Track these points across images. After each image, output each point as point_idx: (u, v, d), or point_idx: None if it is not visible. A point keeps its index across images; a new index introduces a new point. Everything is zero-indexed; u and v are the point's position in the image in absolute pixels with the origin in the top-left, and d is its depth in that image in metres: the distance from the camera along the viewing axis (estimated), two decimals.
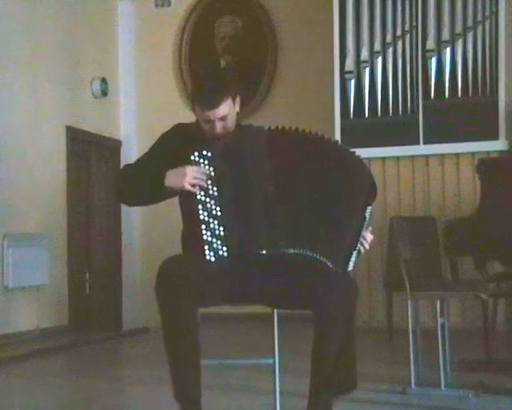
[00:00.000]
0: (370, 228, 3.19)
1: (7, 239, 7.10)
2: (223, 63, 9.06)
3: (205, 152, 3.02)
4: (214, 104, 3.10)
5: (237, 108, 3.21)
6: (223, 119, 3.13)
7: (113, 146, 9.14)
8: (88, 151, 8.67)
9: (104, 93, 8.74)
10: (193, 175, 3.00)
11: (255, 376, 4.45)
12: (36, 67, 7.74)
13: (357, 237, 3.09)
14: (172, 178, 3.04)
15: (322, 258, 3.02)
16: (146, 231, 8.98)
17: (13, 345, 6.78)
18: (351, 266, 3.09)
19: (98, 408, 4.47)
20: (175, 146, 3.15)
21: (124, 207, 9.06)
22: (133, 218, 8.94)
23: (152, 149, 3.27)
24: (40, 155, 7.71)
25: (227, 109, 3.13)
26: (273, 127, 3.08)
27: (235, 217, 3.00)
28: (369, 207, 3.15)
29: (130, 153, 9.23)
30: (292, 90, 8.71)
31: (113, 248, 9.03)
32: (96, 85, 8.67)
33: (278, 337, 3.35)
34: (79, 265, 8.32)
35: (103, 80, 8.72)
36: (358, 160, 3.14)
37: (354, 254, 3.10)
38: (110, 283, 8.94)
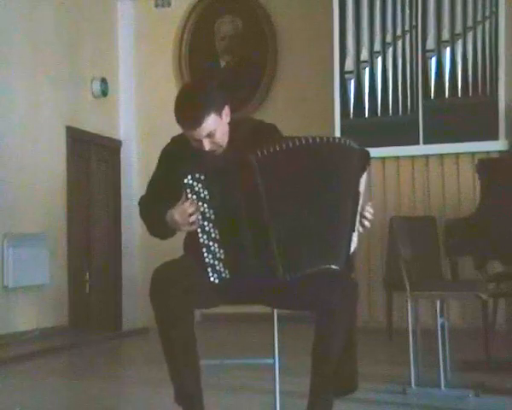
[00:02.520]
0: (370, 203, 3.08)
1: (7, 239, 7.10)
2: (223, 63, 9.07)
3: (197, 175, 2.95)
4: (196, 123, 2.99)
5: (227, 119, 3.10)
6: (209, 135, 3.03)
7: (113, 146, 9.14)
8: (88, 151, 8.67)
9: (104, 93, 8.74)
10: (185, 219, 2.97)
11: (255, 376, 4.45)
12: (36, 66, 7.74)
13: (353, 219, 3.00)
14: (174, 226, 3.04)
15: (323, 267, 2.98)
16: (146, 231, 8.96)
17: (13, 345, 6.78)
18: (352, 248, 3.03)
19: (98, 408, 4.46)
20: (176, 160, 3.12)
21: (124, 207, 9.06)
22: (133, 218, 8.93)
23: (156, 172, 3.25)
24: (40, 156, 7.71)
25: (212, 125, 3.01)
26: (261, 153, 2.89)
27: (232, 240, 2.96)
28: (363, 177, 3.02)
29: (130, 153, 9.24)
30: (292, 90, 8.71)
31: (113, 248, 9.03)
32: (96, 85, 8.67)
33: (278, 337, 3.35)
34: (79, 265, 8.32)
35: (103, 80, 8.72)
36: (342, 148, 2.97)
37: (354, 235, 3.02)
38: (110, 283, 8.95)
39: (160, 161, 3.27)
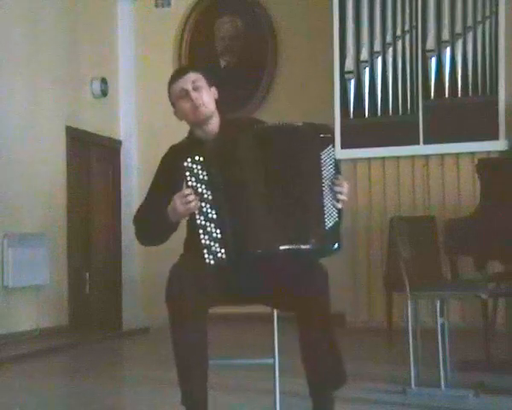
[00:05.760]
0: (339, 176, 3.06)
1: (7, 239, 7.10)
2: (223, 63, 9.07)
3: (197, 157, 2.99)
4: (183, 72, 3.28)
5: (215, 95, 3.26)
6: (195, 88, 3.20)
7: (113, 146, 9.14)
8: (88, 151, 8.67)
9: (104, 93, 8.74)
10: (184, 204, 2.98)
11: (255, 376, 4.45)
12: (36, 66, 7.74)
13: (318, 195, 3.01)
14: (174, 216, 3.06)
15: (293, 247, 2.98)
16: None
17: (13, 345, 6.78)
18: (330, 223, 3.01)
19: (98, 408, 4.47)
20: (175, 168, 3.11)
21: (124, 207, 9.06)
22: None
23: (155, 180, 3.29)
24: (40, 155, 7.71)
25: (198, 79, 3.22)
26: (257, 128, 3.10)
27: (229, 218, 2.97)
28: (326, 153, 3.04)
29: (130, 153, 9.24)
30: (292, 91, 8.71)
31: (113, 248, 9.03)
32: (96, 85, 8.67)
33: (278, 337, 3.35)
34: (79, 264, 8.32)
35: (103, 80, 8.72)
36: (299, 127, 3.08)
37: (327, 209, 3.02)
38: (110, 283, 8.94)
39: (158, 169, 3.30)
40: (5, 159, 7.19)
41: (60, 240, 7.95)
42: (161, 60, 9.23)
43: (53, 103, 7.98)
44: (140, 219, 3.26)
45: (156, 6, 9.34)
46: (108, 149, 9.06)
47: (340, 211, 3.05)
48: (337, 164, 3.09)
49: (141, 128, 9.26)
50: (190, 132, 3.32)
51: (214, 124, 3.25)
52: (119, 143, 9.22)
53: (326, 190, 3.03)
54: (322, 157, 3.03)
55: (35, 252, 7.37)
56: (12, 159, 7.29)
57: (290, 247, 2.96)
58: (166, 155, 3.31)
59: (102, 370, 5.88)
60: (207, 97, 3.21)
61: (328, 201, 3.03)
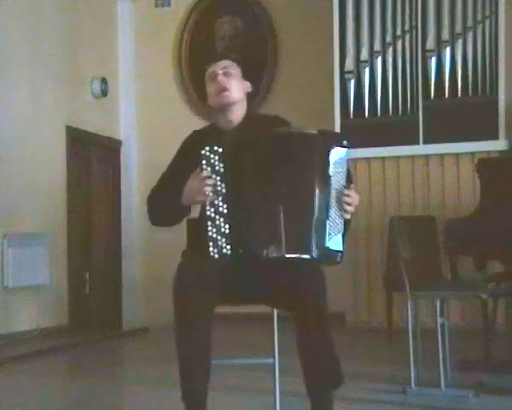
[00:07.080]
0: (352, 185, 3.06)
1: (7, 239, 7.10)
2: None
3: (216, 147, 2.99)
4: (218, 58, 3.26)
5: (246, 89, 3.27)
6: (226, 74, 3.21)
7: (113, 146, 9.14)
8: (88, 151, 8.67)
9: (104, 93, 8.74)
10: (201, 189, 2.97)
11: (255, 376, 4.45)
12: (36, 66, 7.74)
13: (324, 205, 2.99)
14: (189, 199, 3.06)
15: (295, 256, 2.98)
16: (146, 231, 8.98)
17: (13, 345, 6.78)
18: (333, 233, 3.00)
19: (98, 408, 4.47)
20: (194, 152, 3.11)
21: (124, 207, 9.07)
22: (133, 217, 8.94)
23: (173, 161, 3.29)
24: (40, 155, 7.71)
25: (231, 66, 3.22)
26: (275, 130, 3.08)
27: (239, 216, 2.97)
28: (336, 161, 3.01)
29: (131, 153, 9.24)
30: (292, 91, 8.71)
31: (113, 248, 9.04)
32: (96, 85, 8.67)
33: (278, 337, 3.35)
34: (79, 264, 8.32)
35: (103, 80, 8.72)
36: (304, 137, 3.07)
37: (330, 222, 3.00)
38: (110, 283, 8.95)
39: (178, 151, 3.30)
40: (5, 159, 7.19)
41: (60, 240, 7.95)
42: (161, 60, 9.23)
43: (53, 103, 7.98)
44: (153, 197, 3.25)
45: (156, 6, 9.34)
46: (108, 149, 9.06)
47: (346, 222, 3.05)
48: (349, 173, 3.08)
49: (141, 128, 9.26)
50: (214, 121, 3.32)
51: (238, 115, 3.25)
52: (119, 143, 9.22)
53: (333, 200, 3.01)
54: (333, 167, 3.02)
55: (35, 252, 7.37)
56: (12, 159, 7.29)
57: (293, 255, 2.96)
58: (188, 137, 3.31)
59: (102, 370, 5.89)
60: (236, 85, 3.22)
61: (334, 211, 3.01)
